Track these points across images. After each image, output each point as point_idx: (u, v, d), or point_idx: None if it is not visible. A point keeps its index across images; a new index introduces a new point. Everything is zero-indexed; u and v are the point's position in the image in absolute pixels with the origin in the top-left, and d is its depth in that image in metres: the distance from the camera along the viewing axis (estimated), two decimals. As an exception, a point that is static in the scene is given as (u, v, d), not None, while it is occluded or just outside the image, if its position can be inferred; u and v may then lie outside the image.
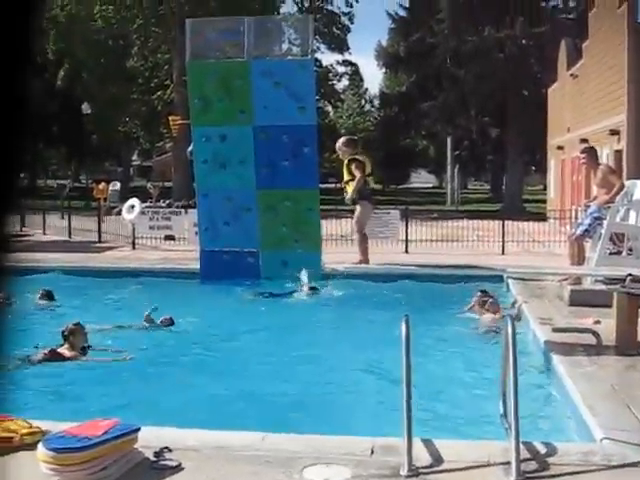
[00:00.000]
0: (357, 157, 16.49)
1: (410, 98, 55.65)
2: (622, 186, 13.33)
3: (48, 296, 13.06)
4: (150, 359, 9.76)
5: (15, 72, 1.84)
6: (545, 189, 46.20)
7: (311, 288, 14.35)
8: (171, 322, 11.40)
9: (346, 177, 16.45)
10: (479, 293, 12.49)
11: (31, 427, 5.70)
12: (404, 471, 5.16)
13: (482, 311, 12.08)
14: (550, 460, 5.42)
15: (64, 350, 9.56)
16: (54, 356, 9.40)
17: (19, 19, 1.86)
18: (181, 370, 9.34)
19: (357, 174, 16.10)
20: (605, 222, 13.01)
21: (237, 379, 8.80)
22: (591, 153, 13.96)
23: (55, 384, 8.52)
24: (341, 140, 17.23)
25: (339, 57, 70.61)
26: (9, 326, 3.76)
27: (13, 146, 1.86)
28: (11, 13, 1.83)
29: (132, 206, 22.72)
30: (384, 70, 75.80)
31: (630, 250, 13.46)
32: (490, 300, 12.04)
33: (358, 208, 16.44)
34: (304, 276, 14.51)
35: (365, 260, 16.34)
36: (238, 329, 11.55)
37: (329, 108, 75.84)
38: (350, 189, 16.30)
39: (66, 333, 9.70)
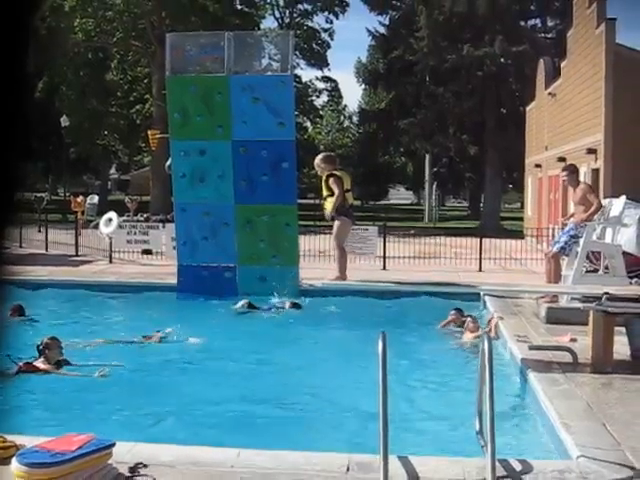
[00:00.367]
0: (335, 173, 16.50)
1: (389, 115, 55.78)
2: (600, 206, 13.41)
3: (19, 311, 12.67)
4: (129, 374, 9.71)
5: (12, 84, 1.84)
6: (523, 207, 46.41)
7: (293, 304, 14.33)
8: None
9: (325, 193, 16.47)
10: (453, 311, 12.60)
11: (5, 441, 5.65)
12: (380, 488, 5.15)
13: (458, 328, 12.21)
14: (526, 478, 5.43)
15: (39, 363, 9.50)
16: (29, 369, 9.34)
17: (17, 34, 1.87)
18: (158, 386, 9.31)
19: (336, 190, 16.11)
20: (581, 240, 13.07)
21: (216, 395, 8.77)
22: (572, 170, 14.03)
23: (30, 398, 8.46)
24: (319, 157, 17.25)
25: (319, 73, 70.81)
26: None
27: (11, 160, 1.86)
28: (9, 30, 1.84)
29: (110, 219, 22.64)
30: (363, 87, 76.31)
31: (606, 268, 13.53)
32: (469, 318, 12.10)
33: (337, 224, 16.44)
34: (284, 292, 14.55)
35: (343, 277, 16.33)
36: (219, 345, 11.51)
37: (308, 124, 75.92)
38: (329, 205, 16.31)
39: (41, 347, 9.64)
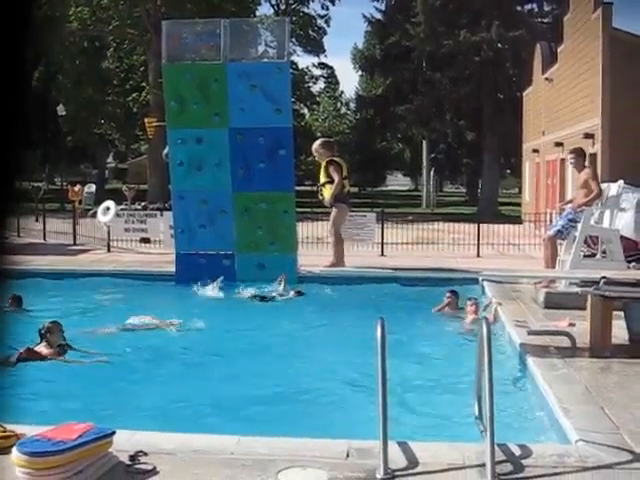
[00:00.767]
0: (335, 159, 16.50)
1: (386, 101, 55.71)
2: (600, 193, 13.39)
3: (17, 302, 12.59)
4: (131, 361, 9.72)
5: (11, 79, 1.85)
6: (520, 192, 46.39)
7: (297, 292, 14.35)
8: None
9: (323, 179, 16.46)
10: (449, 294, 12.69)
11: (5, 431, 5.66)
12: (380, 474, 5.17)
13: (455, 312, 12.32)
14: (525, 462, 5.44)
15: (41, 348, 9.49)
16: (31, 355, 9.33)
17: (17, 31, 1.87)
18: (161, 373, 9.31)
19: (335, 177, 16.11)
20: (579, 225, 13.07)
21: (218, 382, 8.79)
22: (579, 154, 13.98)
23: (31, 385, 8.46)
24: (317, 142, 17.24)
25: (315, 60, 70.78)
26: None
27: (8, 151, 1.87)
28: (9, 29, 1.84)
29: (107, 208, 22.61)
30: (360, 73, 76.12)
31: (604, 253, 13.55)
32: (469, 301, 12.15)
33: (334, 210, 16.45)
34: (285, 279, 14.59)
35: (340, 263, 16.34)
36: (222, 333, 11.52)
37: (305, 111, 75.75)
38: (327, 191, 16.30)
39: (43, 331, 9.64)
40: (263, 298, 14.00)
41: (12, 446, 5.21)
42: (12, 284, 13.78)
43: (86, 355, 9.60)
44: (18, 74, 1.85)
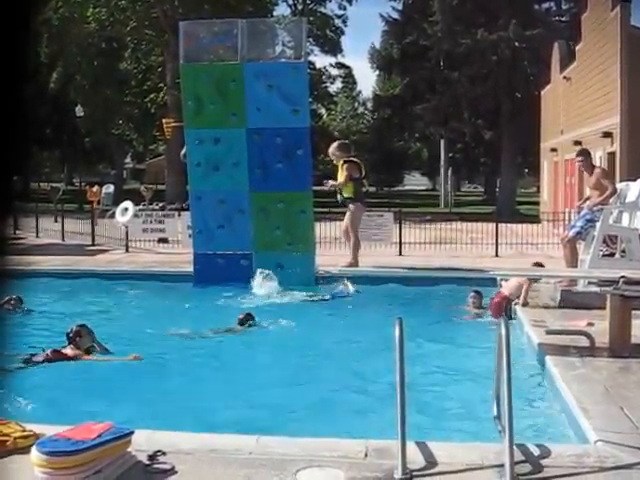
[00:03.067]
0: (352, 159, 16.50)
1: (403, 101, 55.64)
2: (614, 191, 13.32)
3: (18, 302, 12.53)
4: (161, 363, 9.77)
5: (11, 79, 1.85)
6: (539, 191, 46.23)
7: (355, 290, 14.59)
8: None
9: (340, 179, 16.45)
10: (473, 293, 12.77)
11: (24, 430, 5.69)
12: (398, 474, 5.16)
13: (477, 311, 12.44)
14: (544, 462, 5.42)
15: (68, 350, 9.53)
16: (57, 356, 9.37)
17: (16, 28, 1.87)
18: (190, 374, 9.33)
19: (345, 173, 16.15)
20: (598, 224, 13.01)
21: (241, 385, 8.77)
22: (586, 155, 13.96)
23: (55, 385, 8.53)
24: (333, 145, 17.19)
25: (332, 60, 70.56)
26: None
27: (8, 150, 1.87)
28: (8, 24, 1.84)
29: (125, 209, 22.68)
30: (377, 73, 75.88)
31: (623, 252, 13.47)
32: (472, 293, 12.95)
33: (351, 209, 16.45)
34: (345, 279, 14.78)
35: (355, 262, 16.33)
36: (314, 332, 11.62)
37: (322, 111, 75.75)
38: (348, 189, 16.32)
39: (71, 334, 9.68)
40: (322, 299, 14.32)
41: (31, 446, 5.23)
42: (20, 284, 13.89)
43: (114, 356, 9.65)
44: (18, 73, 1.85)
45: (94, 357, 9.53)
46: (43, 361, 9.24)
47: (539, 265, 13.37)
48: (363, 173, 16.45)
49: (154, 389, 8.54)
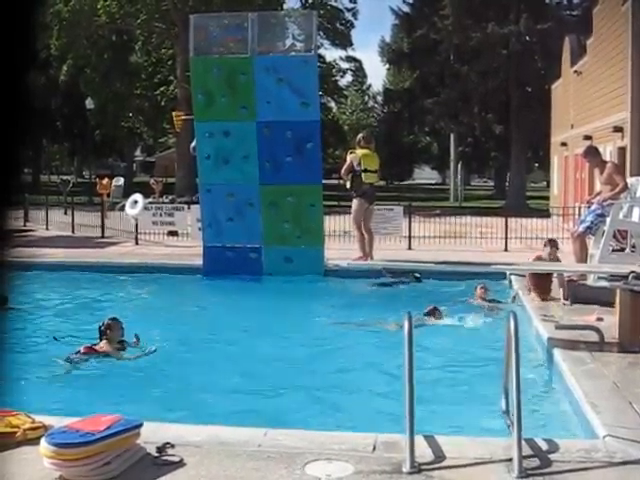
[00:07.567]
0: (353, 151, 16.70)
1: (413, 94, 55.60)
2: (625, 186, 13.26)
3: (1, 301, 11.91)
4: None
5: (15, 70, 1.85)
6: (548, 186, 46.11)
7: (416, 278, 14.85)
8: None
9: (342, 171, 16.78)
10: (480, 286, 12.99)
11: (34, 422, 5.71)
12: (406, 467, 5.16)
13: (484, 304, 12.48)
14: (552, 457, 5.41)
15: (102, 345, 9.55)
16: (90, 352, 9.39)
17: (19, 18, 1.87)
18: (214, 365, 9.39)
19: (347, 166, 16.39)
20: (608, 219, 12.96)
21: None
22: (593, 152, 13.88)
23: (88, 380, 8.62)
24: (360, 134, 17.56)
25: (342, 53, 70.33)
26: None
27: (11, 141, 1.87)
28: (12, 13, 1.84)
29: (135, 202, 22.69)
30: (388, 66, 75.80)
31: (633, 247, 13.41)
32: (479, 285, 13.15)
33: (354, 202, 16.58)
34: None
35: (366, 256, 16.35)
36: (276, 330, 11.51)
37: (332, 104, 75.56)
38: (350, 182, 16.47)
39: (103, 328, 9.70)
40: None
41: (40, 437, 5.25)
42: (38, 275, 13.90)
43: (141, 349, 9.70)
44: (18, 69, 1.85)
45: (125, 355, 9.53)
46: (80, 358, 9.24)
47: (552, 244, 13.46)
48: (368, 167, 16.45)
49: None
